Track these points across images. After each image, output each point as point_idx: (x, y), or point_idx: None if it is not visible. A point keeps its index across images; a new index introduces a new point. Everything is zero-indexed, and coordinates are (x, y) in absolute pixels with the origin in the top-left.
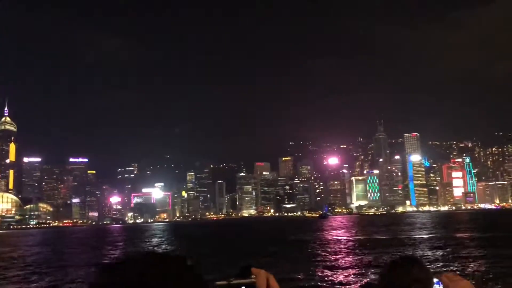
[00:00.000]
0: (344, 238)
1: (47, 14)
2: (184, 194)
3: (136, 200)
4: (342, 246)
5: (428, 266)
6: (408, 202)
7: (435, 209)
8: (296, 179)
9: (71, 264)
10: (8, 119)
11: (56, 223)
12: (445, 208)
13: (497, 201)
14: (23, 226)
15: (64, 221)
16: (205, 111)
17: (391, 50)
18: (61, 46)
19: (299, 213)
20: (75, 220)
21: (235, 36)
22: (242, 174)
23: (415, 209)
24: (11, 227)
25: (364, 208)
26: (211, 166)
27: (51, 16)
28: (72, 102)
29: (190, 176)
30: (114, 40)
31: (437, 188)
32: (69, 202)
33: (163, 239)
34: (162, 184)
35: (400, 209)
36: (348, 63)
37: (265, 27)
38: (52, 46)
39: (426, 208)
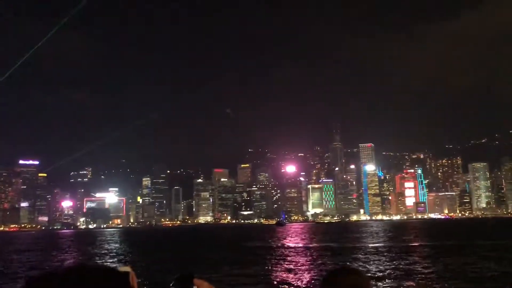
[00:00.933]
0: (299, 245)
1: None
2: (139, 199)
3: (89, 205)
4: (296, 253)
5: (368, 275)
6: (362, 211)
7: (387, 218)
8: (254, 186)
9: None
10: None
11: (1, 228)
12: (397, 217)
13: (446, 211)
14: None
15: (11, 225)
16: (163, 115)
17: (353, 61)
18: (13, 41)
19: (256, 220)
20: (23, 225)
21: (200, 38)
22: (199, 180)
23: (368, 217)
24: None
25: (319, 216)
26: (168, 171)
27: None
28: (23, 101)
29: (146, 181)
30: (68, 37)
31: (390, 197)
32: (17, 206)
33: (114, 245)
34: (116, 189)
35: (354, 217)
36: (308, 72)
37: (232, 32)
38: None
39: (379, 217)
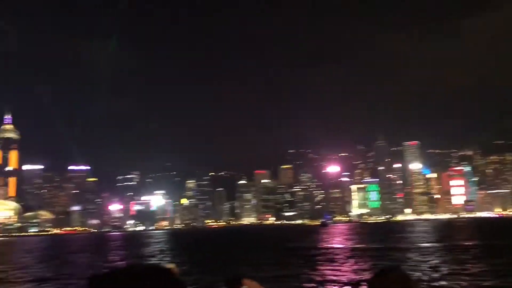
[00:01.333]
0: (344, 246)
1: (48, 22)
2: (184, 201)
3: (137, 207)
4: (342, 254)
5: (415, 276)
6: (408, 210)
7: (434, 217)
8: (296, 187)
9: (68, 273)
10: (10, 126)
11: (56, 231)
12: (445, 216)
13: (497, 209)
14: (23, 234)
15: (64, 228)
16: (205, 119)
17: (391, 59)
18: (63, 53)
19: (299, 221)
20: (75, 228)
21: (236, 42)
22: (242, 182)
23: (415, 217)
24: (12, 234)
25: (364, 216)
26: (211, 174)
27: (52, 23)
28: (73, 109)
29: (190, 184)
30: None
31: (437, 196)
32: (69, 209)
33: (161, 247)
34: (162, 191)
35: (400, 217)
36: (348, 71)
37: (265, 34)
38: (54, 53)
39: (426, 216)
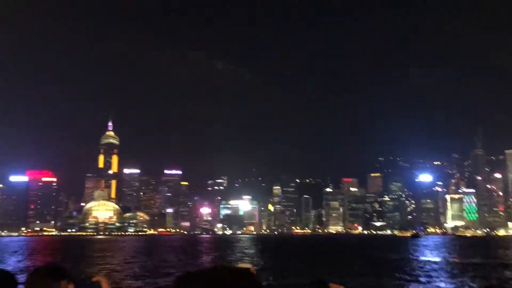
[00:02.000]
0: (439, 259)
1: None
2: (270, 207)
3: (225, 211)
4: (438, 268)
5: None
6: (511, 225)
7: None
8: (386, 196)
9: (164, 272)
10: (112, 133)
11: (151, 231)
12: None
13: None
14: (122, 233)
15: (159, 229)
16: (289, 125)
17: (494, 57)
18: (162, 65)
19: (388, 231)
20: (168, 229)
21: (322, 50)
22: (328, 189)
23: None
24: (112, 233)
25: (460, 229)
26: (297, 180)
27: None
28: (167, 118)
29: (276, 190)
30: (211, 54)
31: None
32: (163, 211)
33: (250, 251)
34: (250, 196)
35: (501, 232)
36: (441, 72)
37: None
38: (153, 65)
39: None
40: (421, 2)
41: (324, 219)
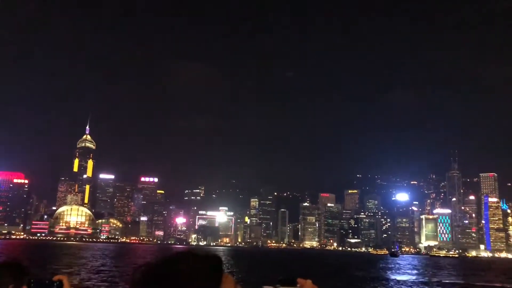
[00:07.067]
0: (418, 279)
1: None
2: (247, 220)
3: (201, 222)
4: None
5: None
6: (482, 247)
7: None
8: (362, 213)
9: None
10: (89, 137)
11: (124, 239)
12: None
13: None
14: (94, 240)
15: (132, 237)
16: (272, 139)
17: (468, 82)
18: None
19: (363, 249)
20: (141, 238)
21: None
22: (306, 204)
23: (490, 254)
24: (83, 239)
25: (434, 249)
26: (275, 193)
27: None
28: (149, 124)
29: (254, 202)
30: (196, 66)
31: None
32: (137, 219)
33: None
34: (226, 208)
35: (473, 253)
36: (419, 94)
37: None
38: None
39: (503, 254)
40: (401, 27)
41: (300, 233)
